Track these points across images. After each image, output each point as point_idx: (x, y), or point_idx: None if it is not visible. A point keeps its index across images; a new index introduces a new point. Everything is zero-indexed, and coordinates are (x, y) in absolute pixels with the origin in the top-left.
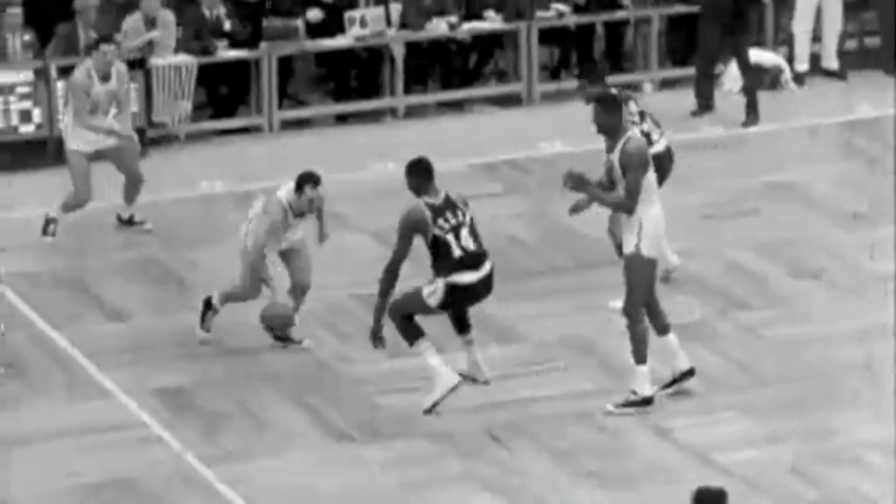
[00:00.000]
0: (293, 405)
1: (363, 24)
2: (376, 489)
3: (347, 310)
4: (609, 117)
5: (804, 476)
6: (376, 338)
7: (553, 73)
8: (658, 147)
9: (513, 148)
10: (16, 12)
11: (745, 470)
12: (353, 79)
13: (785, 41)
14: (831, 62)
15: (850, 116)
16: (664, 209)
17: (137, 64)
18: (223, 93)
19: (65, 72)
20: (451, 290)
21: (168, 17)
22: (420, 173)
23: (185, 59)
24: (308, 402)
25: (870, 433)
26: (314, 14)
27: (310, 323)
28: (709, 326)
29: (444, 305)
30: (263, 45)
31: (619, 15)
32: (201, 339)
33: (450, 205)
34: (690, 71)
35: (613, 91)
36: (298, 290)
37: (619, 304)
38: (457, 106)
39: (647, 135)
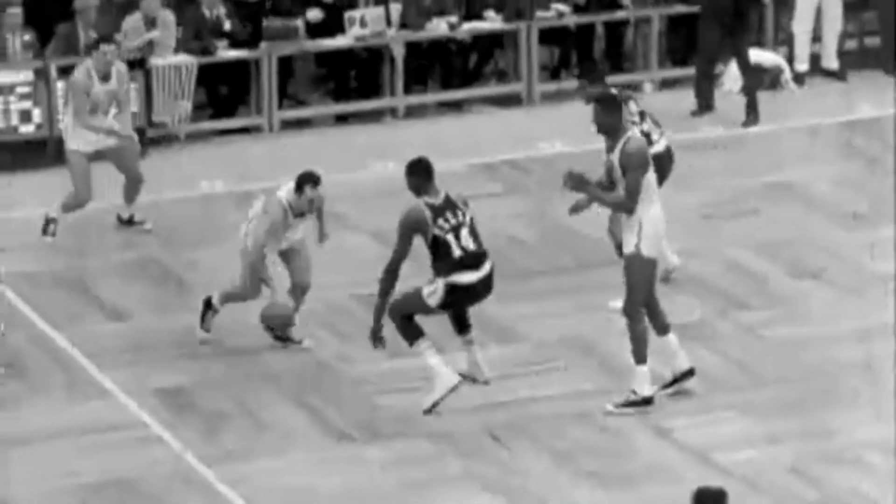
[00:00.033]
0: (293, 405)
1: (363, 24)
2: (376, 489)
3: (347, 310)
4: (609, 117)
5: (804, 476)
6: (376, 338)
7: (553, 73)
8: (658, 147)
9: (513, 148)
10: (16, 12)
11: (744, 470)
12: (353, 79)
13: (785, 41)
14: (831, 62)
15: (850, 116)
16: (664, 209)
17: (137, 64)
18: (223, 93)
19: (65, 72)
20: (451, 290)
21: (168, 17)
22: (420, 173)
23: (185, 59)
24: (308, 402)
25: (870, 433)
26: (314, 14)
27: (310, 323)
28: (709, 326)
29: (444, 305)
30: (263, 45)
31: (619, 15)
32: (201, 338)
33: (450, 205)
34: (690, 71)
35: (613, 91)
36: (298, 290)
37: (619, 303)
38: (457, 106)
39: (646, 134)
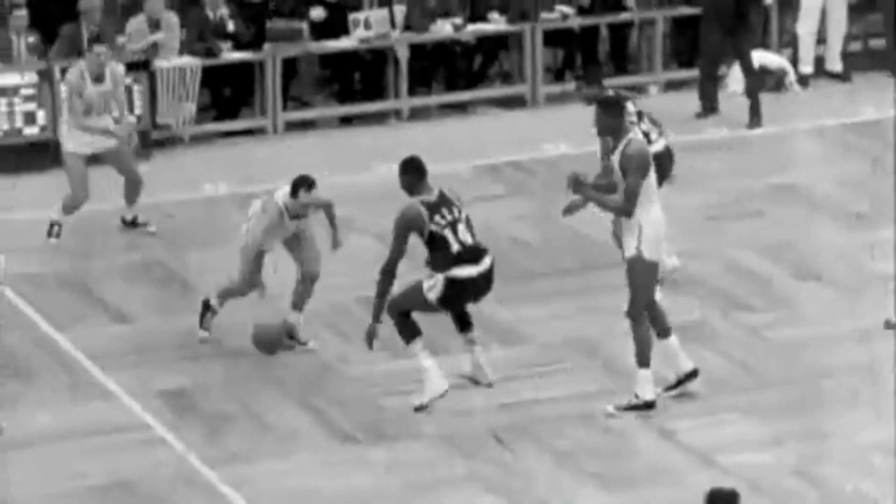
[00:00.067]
0: (297, 407)
1: (367, 25)
2: (380, 491)
3: (352, 311)
4: (610, 119)
5: (806, 477)
6: (372, 338)
7: (557, 74)
8: (657, 146)
9: (517, 149)
10: (21, 14)
11: (748, 471)
12: (357, 80)
13: (789, 43)
14: (835, 64)
15: (855, 118)
16: (667, 210)
17: (141, 66)
18: (227, 94)
19: None
20: (451, 283)
21: (172, 18)
22: (413, 172)
23: (189, 61)
24: (312, 403)
25: (870, 434)
26: (317, 13)
27: (314, 324)
28: (712, 328)
29: (444, 300)
30: (267, 46)
31: (624, 17)
32: (201, 338)
33: (444, 201)
34: (695, 73)
35: (610, 92)
36: (308, 280)
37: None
38: (461, 108)
39: (646, 134)
